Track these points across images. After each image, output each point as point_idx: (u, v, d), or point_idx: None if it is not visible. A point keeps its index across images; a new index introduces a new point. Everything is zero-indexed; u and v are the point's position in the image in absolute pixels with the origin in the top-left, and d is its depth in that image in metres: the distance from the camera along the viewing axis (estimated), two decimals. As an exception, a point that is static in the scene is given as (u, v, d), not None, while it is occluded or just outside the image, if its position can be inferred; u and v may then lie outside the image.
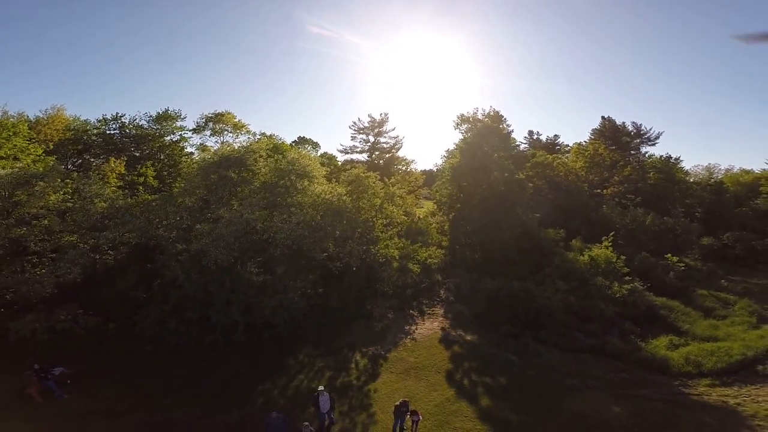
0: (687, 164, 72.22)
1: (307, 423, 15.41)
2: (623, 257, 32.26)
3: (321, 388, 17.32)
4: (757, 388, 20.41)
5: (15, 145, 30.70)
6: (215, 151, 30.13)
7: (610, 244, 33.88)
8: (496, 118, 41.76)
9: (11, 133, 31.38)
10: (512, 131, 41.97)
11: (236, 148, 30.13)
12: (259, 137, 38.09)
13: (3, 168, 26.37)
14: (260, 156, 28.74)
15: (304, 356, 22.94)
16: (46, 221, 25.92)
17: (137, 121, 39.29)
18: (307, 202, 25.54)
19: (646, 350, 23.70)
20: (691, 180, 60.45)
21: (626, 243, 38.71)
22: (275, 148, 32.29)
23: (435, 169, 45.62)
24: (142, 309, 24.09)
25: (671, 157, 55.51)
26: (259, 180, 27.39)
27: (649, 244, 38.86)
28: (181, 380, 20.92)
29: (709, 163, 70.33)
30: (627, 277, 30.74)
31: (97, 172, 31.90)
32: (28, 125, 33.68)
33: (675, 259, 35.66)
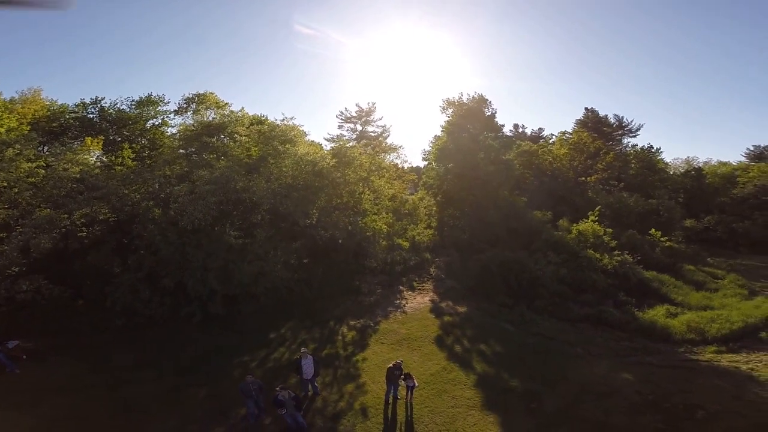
0: (667, 157, 71.12)
1: (282, 386, 12.58)
2: (610, 230, 30.08)
3: (304, 349, 14.48)
4: (766, 354, 18.17)
5: None
6: (196, 120, 27.06)
7: (596, 218, 31.69)
8: (481, 100, 39.37)
9: None
10: (496, 112, 39.43)
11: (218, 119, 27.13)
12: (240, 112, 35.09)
13: None
14: (242, 125, 25.82)
15: (286, 330, 20.01)
16: (15, 190, 22.65)
17: (118, 105, 36.05)
18: (289, 164, 22.61)
19: (645, 319, 21.39)
20: (671, 172, 58.99)
21: (611, 223, 36.53)
22: (258, 121, 29.36)
23: (422, 157, 42.65)
24: (114, 279, 20.87)
25: (652, 147, 53.97)
26: (242, 147, 24.42)
27: (633, 224, 36.73)
28: (153, 355, 17.88)
29: (688, 156, 69.30)
30: (615, 252, 28.53)
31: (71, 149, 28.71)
32: (3, 107, 30.55)
33: (659, 234, 33.62)
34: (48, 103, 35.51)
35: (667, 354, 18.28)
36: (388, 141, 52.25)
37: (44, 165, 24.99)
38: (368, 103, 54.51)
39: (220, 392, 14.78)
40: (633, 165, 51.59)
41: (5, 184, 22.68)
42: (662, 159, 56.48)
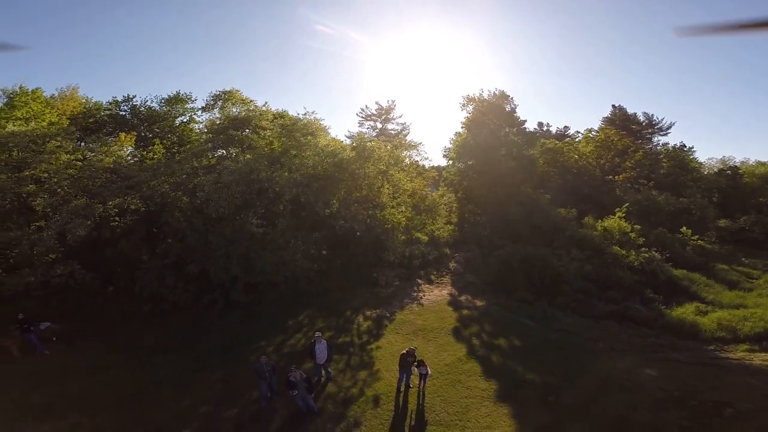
0: (700, 157, 67.40)
1: (295, 366, 12.51)
2: (638, 227, 28.79)
3: (318, 333, 14.34)
4: (804, 354, 16.91)
5: (32, 109, 28.92)
6: (223, 114, 27.58)
7: (624, 216, 30.42)
8: (501, 96, 38.64)
9: (29, 98, 29.66)
10: (517, 107, 38.58)
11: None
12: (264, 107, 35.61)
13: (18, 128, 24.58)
14: (266, 119, 26.14)
15: (304, 317, 20.03)
16: (54, 180, 23.69)
17: (148, 103, 37.35)
18: (310, 155, 22.70)
19: (673, 316, 20.32)
20: (705, 172, 55.96)
21: (639, 221, 35.01)
22: (280, 116, 29.70)
23: (443, 154, 41.95)
24: (143, 266, 21.45)
25: (684, 146, 51.41)
26: (265, 140, 24.73)
27: (663, 223, 35.05)
28: (175, 338, 18.24)
29: (724, 156, 65.51)
30: (643, 249, 27.29)
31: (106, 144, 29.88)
32: (45, 103, 32.12)
33: (690, 232, 31.96)
34: (84, 100, 37.10)
35: (696, 351, 17.26)
36: (408, 138, 51.95)
37: (81, 157, 26.14)
38: (388, 100, 54.32)
39: (235, 375, 14.88)
40: (664, 164, 49.27)
41: (46, 174, 23.80)
42: (695, 158, 53.69)
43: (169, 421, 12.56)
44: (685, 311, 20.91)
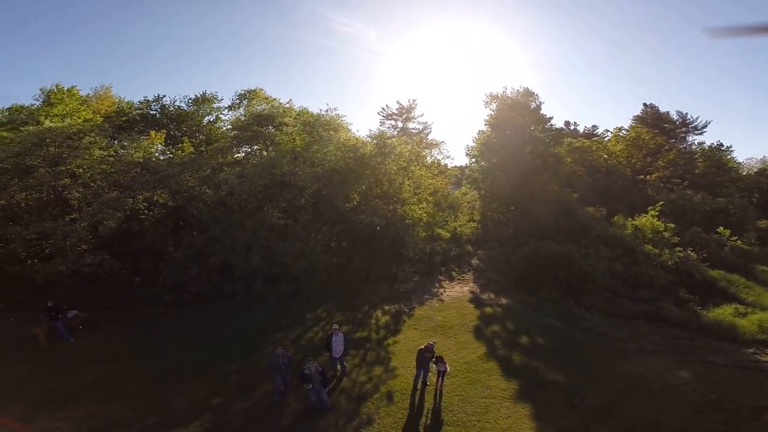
0: (739, 157, 63.86)
1: (311, 357, 12.19)
2: (672, 225, 27.22)
3: (335, 326, 13.98)
4: None
5: (67, 107, 29.99)
6: (247, 109, 27.79)
7: (657, 214, 28.86)
8: (526, 93, 37.29)
9: (65, 96, 30.79)
10: (542, 103, 37.19)
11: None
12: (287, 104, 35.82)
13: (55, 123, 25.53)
14: (289, 116, 26.16)
15: (322, 311, 19.79)
16: (88, 174, 24.44)
17: (177, 103, 38.28)
18: (332, 149, 22.53)
19: (709, 317, 19.00)
20: (744, 173, 52.79)
21: (673, 221, 33.19)
22: (303, 113, 29.74)
23: (466, 152, 40.87)
24: (168, 256, 21.76)
25: (722, 145, 48.56)
26: (288, 136, 24.73)
27: (698, 223, 33.05)
28: (195, 328, 18.34)
29: (764, 156, 61.79)
30: (678, 248, 25.76)
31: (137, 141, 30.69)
32: (80, 101, 33.28)
33: (728, 232, 30.04)
34: (117, 99, 38.31)
35: (733, 354, 16.00)
36: (430, 137, 51.18)
37: (114, 153, 26.91)
38: (409, 99, 53.61)
39: (251, 367, 14.74)
40: (699, 163, 46.58)
41: (80, 169, 24.57)
42: (733, 158, 50.66)
43: (183, 412, 12.46)
44: (723, 313, 19.51)
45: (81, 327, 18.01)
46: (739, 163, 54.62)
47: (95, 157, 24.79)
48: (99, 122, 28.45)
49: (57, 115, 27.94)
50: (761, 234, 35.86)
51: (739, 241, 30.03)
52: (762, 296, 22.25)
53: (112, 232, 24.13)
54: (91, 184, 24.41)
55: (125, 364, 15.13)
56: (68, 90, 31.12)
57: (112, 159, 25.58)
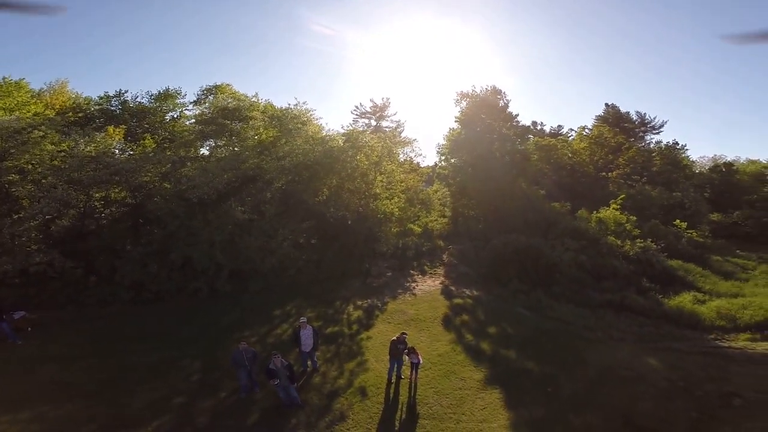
0: (692, 155, 67.03)
1: (275, 352, 11.34)
2: (633, 218, 27.85)
3: (303, 319, 13.17)
4: (808, 343, 15.98)
5: (17, 101, 27.56)
6: (212, 102, 26.32)
7: (618, 207, 29.49)
8: (494, 92, 37.58)
9: (13, 88, 28.30)
10: (509, 102, 37.62)
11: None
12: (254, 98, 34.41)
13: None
14: (256, 110, 24.96)
15: (291, 307, 18.84)
16: (38, 170, 22.49)
17: (138, 98, 36.14)
18: (300, 143, 21.57)
19: (671, 305, 19.36)
20: (697, 171, 55.27)
21: (634, 214, 34.07)
22: (271, 107, 28.51)
23: (437, 150, 40.69)
24: (125, 254, 20.23)
25: (677, 144, 50.71)
26: (254, 130, 23.56)
27: (657, 216, 34.10)
28: (156, 328, 16.97)
29: (715, 155, 64.89)
30: (638, 240, 26.34)
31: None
32: (30, 94, 30.80)
33: (684, 224, 31.10)
34: (74, 95, 35.78)
35: (696, 340, 16.31)
36: (403, 135, 50.82)
37: (67, 149, 24.91)
38: (383, 98, 53.22)
39: (215, 365, 13.70)
40: (657, 161, 48.49)
41: (30, 165, 22.61)
42: (687, 156, 53.19)
43: (142, 412, 11.35)
44: (683, 300, 19.98)
45: (29, 328, 16.44)
46: (693, 161, 57.32)
47: (46, 152, 22.92)
48: (50, 116, 26.25)
49: (4, 109, 25.64)
50: (713, 226, 37.50)
51: (694, 233, 31.14)
52: (717, 284, 23.01)
53: (66, 230, 22.50)
54: (42, 180, 22.52)
55: (79, 365, 13.77)
56: (16, 83, 28.60)
57: (64, 154, 23.67)
